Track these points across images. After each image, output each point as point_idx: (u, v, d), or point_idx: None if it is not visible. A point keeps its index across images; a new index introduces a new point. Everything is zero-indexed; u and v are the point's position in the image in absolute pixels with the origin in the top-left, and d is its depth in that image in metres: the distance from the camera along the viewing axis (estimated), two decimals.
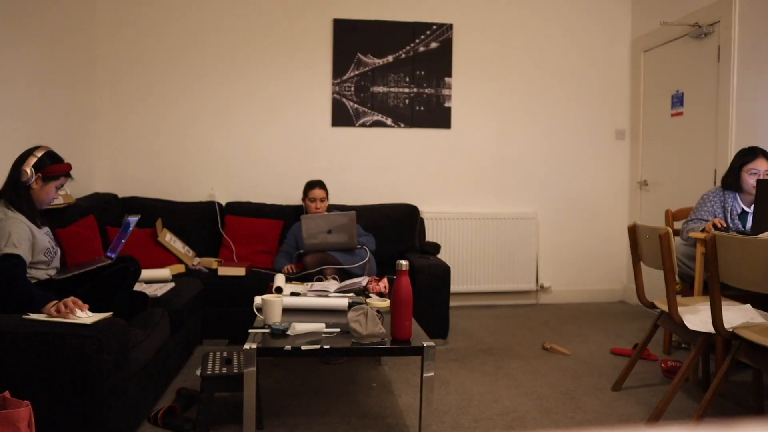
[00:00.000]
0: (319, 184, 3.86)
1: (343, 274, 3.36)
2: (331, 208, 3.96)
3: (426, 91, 4.56)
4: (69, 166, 2.56)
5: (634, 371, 3.02)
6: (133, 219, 2.74)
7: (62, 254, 2.71)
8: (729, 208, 3.18)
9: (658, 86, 4.49)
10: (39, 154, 2.44)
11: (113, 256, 2.61)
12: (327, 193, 3.86)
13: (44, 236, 2.47)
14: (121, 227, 2.74)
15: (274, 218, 4.04)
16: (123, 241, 2.64)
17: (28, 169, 2.40)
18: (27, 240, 2.33)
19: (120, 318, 2.27)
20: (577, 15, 4.74)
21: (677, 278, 3.14)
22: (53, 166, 2.47)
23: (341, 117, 4.49)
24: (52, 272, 2.53)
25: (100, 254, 3.28)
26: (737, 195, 3.21)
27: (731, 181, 3.20)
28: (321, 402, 2.68)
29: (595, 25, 4.77)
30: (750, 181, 3.12)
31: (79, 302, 2.17)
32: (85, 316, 2.11)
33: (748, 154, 3.15)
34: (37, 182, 2.44)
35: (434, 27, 4.54)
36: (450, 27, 4.56)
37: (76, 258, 2.84)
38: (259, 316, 2.40)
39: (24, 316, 2.09)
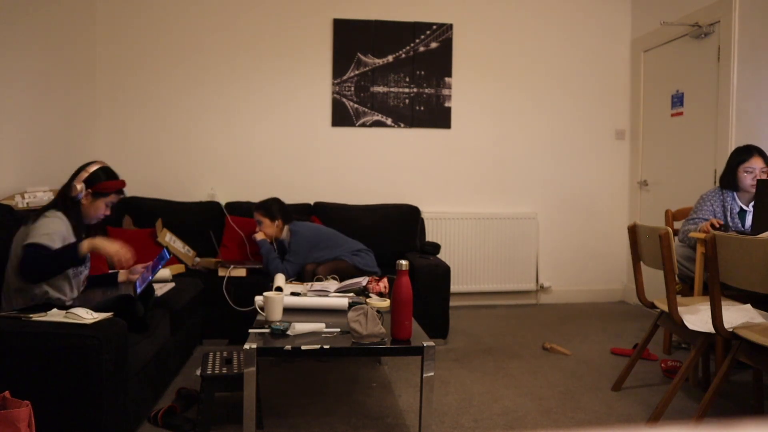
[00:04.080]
0: (255, 207, 3.67)
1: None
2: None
3: (426, 91, 4.56)
4: (122, 183, 2.53)
5: (634, 371, 3.02)
6: (165, 254, 2.52)
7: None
8: (728, 207, 3.19)
9: (658, 86, 4.48)
10: (92, 169, 2.43)
11: (139, 290, 2.47)
12: (271, 218, 3.62)
13: None
14: (155, 261, 2.54)
15: None
16: (150, 278, 2.49)
17: (78, 184, 2.39)
18: (62, 241, 2.31)
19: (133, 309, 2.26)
20: (577, 15, 4.74)
21: (677, 278, 3.14)
22: (104, 183, 2.44)
23: (341, 117, 4.49)
24: (75, 294, 2.49)
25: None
26: (735, 194, 3.21)
27: (729, 180, 3.20)
28: (321, 402, 2.68)
29: (595, 25, 4.77)
30: (746, 180, 3.12)
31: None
32: (87, 316, 2.11)
33: (744, 153, 3.16)
34: (87, 198, 2.43)
35: (434, 27, 4.54)
36: (450, 27, 4.56)
37: None
38: (261, 315, 2.40)
39: (24, 317, 2.09)
